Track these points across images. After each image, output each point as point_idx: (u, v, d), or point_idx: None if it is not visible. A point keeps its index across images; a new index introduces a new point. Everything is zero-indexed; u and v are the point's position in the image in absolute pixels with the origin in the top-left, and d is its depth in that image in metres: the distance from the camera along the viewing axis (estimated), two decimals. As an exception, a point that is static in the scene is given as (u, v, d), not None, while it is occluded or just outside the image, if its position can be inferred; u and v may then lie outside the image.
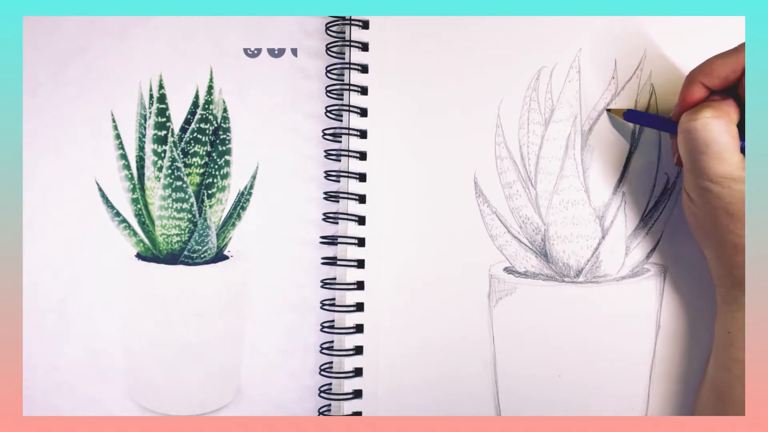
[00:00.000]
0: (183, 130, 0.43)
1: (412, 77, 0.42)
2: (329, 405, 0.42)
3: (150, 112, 0.43)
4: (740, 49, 0.34)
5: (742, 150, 0.33)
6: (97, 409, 0.43)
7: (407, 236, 0.42)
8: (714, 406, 0.36)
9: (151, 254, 0.44)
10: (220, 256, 0.44)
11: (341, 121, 0.43)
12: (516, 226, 0.42)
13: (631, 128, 0.41)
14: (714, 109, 0.33)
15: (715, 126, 0.33)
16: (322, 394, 0.42)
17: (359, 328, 0.42)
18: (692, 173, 0.34)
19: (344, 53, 0.43)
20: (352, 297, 0.42)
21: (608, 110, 0.41)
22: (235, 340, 0.43)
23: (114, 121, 0.44)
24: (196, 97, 0.43)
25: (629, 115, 0.40)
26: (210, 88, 0.44)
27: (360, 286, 0.42)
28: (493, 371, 0.41)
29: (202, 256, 0.43)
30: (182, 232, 0.43)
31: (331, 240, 0.42)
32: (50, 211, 0.43)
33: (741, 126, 0.34)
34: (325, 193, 0.42)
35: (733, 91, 0.35)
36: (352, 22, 0.42)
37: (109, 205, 0.44)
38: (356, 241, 0.42)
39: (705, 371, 0.38)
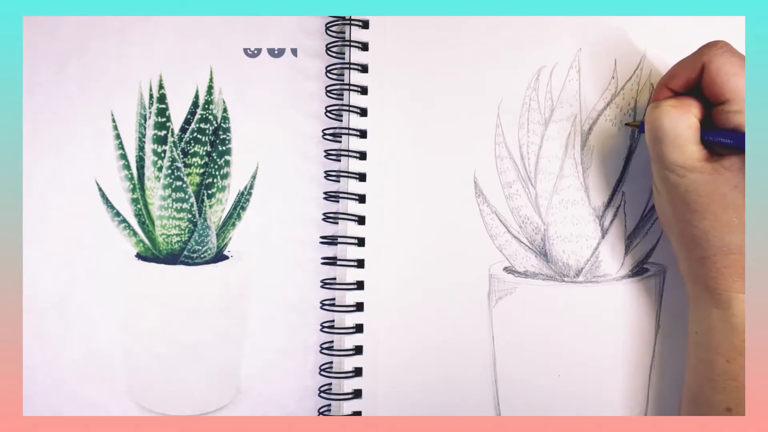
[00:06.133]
0: (183, 130, 0.43)
1: (412, 77, 0.42)
2: (329, 405, 0.42)
3: (150, 112, 0.43)
4: (698, 51, 0.35)
5: (705, 139, 0.34)
6: (97, 409, 0.43)
7: (407, 236, 0.42)
8: (688, 409, 0.36)
9: (151, 254, 0.44)
10: (220, 256, 0.44)
11: (341, 121, 0.43)
12: (516, 226, 0.42)
13: (631, 128, 0.41)
14: (675, 100, 0.35)
15: (673, 114, 0.34)
16: (322, 394, 0.42)
17: (359, 328, 0.42)
18: (655, 163, 0.36)
19: (344, 53, 0.43)
20: (352, 297, 0.42)
21: (626, 124, 0.41)
22: (235, 340, 0.43)
23: (114, 121, 0.44)
24: (196, 97, 0.43)
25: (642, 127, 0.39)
26: (210, 88, 0.44)
27: (360, 286, 0.42)
28: (493, 371, 0.41)
29: (202, 256, 0.43)
30: (182, 232, 0.43)
31: (331, 240, 0.42)
32: (50, 211, 0.43)
33: (707, 122, 0.34)
34: (325, 193, 0.42)
35: (697, 92, 0.35)
36: (352, 22, 0.42)
37: (109, 205, 0.44)
38: (356, 241, 0.42)
39: None
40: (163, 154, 0.43)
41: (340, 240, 0.42)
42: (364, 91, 0.42)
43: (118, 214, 0.44)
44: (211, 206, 0.43)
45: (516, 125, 0.42)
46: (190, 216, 0.43)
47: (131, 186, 0.44)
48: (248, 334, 0.43)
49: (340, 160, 0.42)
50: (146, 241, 0.44)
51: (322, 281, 0.42)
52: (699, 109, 0.34)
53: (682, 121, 0.34)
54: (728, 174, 0.33)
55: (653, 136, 0.35)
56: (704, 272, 0.35)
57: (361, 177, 0.42)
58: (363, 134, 0.42)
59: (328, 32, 0.43)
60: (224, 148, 0.43)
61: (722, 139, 0.33)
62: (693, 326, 0.36)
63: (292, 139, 0.44)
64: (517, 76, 0.42)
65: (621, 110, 0.41)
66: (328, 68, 0.43)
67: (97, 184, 0.44)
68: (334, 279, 0.42)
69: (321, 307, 0.42)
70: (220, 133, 0.44)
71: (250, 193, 0.44)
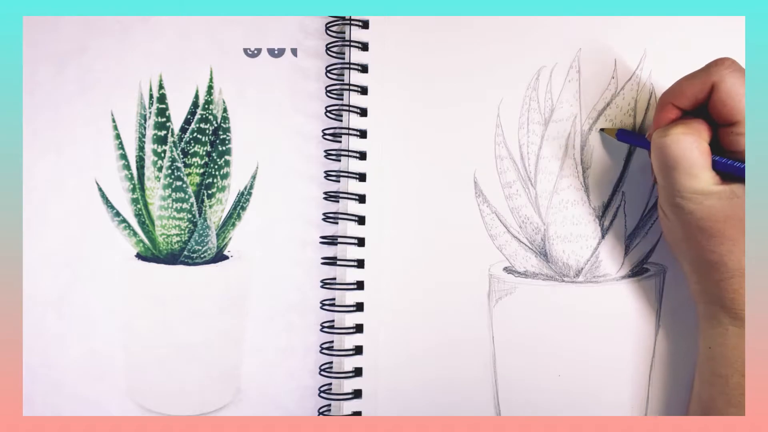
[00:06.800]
0: (183, 130, 0.43)
1: (412, 77, 0.42)
2: (329, 405, 0.42)
3: (150, 112, 0.43)
4: (706, 69, 0.34)
5: (715, 167, 0.33)
6: (97, 409, 0.43)
7: (407, 236, 0.42)
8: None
9: (151, 254, 0.44)
10: (220, 256, 0.44)
11: (341, 121, 0.43)
12: (516, 226, 0.42)
13: (630, 129, 0.41)
14: (685, 126, 0.34)
15: (685, 142, 0.33)
16: (322, 394, 0.42)
17: (359, 328, 0.42)
18: (665, 190, 0.35)
19: (344, 53, 0.43)
20: (352, 297, 0.42)
21: (601, 130, 0.41)
22: (235, 340, 0.43)
23: (114, 121, 0.44)
24: (196, 97, 0.43)
25: (621, 134, 0.40)
26: (210, 88, 0.44)
27: (360, 286, 0.42)
28: (493, 371, 0.41)
29: (202, 256, 0.43)
30: (182, 232, 0.43)
31: (331, 240, 0.42)
32: (50, 211, 0.43)
33: (713, 144, 0.34)
34: (325, 193, 0.42)
35: (703, 111, 0.35)
36: (352, 22, 0.42)
37: (109, 205, 0.44)
38: (356, 241, 0.42)
39: (692, 385, 0.38)
40: (163, 154, 0.43)
41: (340, 240, 0.42)
42: (364, 91, 0.42)
43: (118, 214, 0.44)
44: (211, 206, 0.43)
45: (516, 125, 0.42)
46: (190, 216, 0.43)
47: (131, 186, 0.44)
48: (248, 334, 0.43)
49: (340, 160, 0.42)
50: (146, 241, 0.44)
51: (322, 281, 0.42)
52: (708, 132, 0.34)
53: (694, 149, 0.33)
54: (743, 198, 0.32)
55: (663, 164, 0.34)
56: (721, 293, 0.34)
57: (361, 177, 0.42)
58: (363, 134, 0.42)
59: (328, 32, 0.43)
60: (224, 148, 0.43)
61: (735, 164, 0.33)
62: (706, 342, 0.36)
63: (292, 139, 0.44)
64: (517, 76, 0.42)
65: (621, 110, 0.41)
66: (328, 68, 0.43)
67: (97, 184, 0.44)
68: (334, 279, 0.42)
69: (321, 307, 0.42)
70: (220, 133, 0.44)
71: (250, 193, 0.44)
